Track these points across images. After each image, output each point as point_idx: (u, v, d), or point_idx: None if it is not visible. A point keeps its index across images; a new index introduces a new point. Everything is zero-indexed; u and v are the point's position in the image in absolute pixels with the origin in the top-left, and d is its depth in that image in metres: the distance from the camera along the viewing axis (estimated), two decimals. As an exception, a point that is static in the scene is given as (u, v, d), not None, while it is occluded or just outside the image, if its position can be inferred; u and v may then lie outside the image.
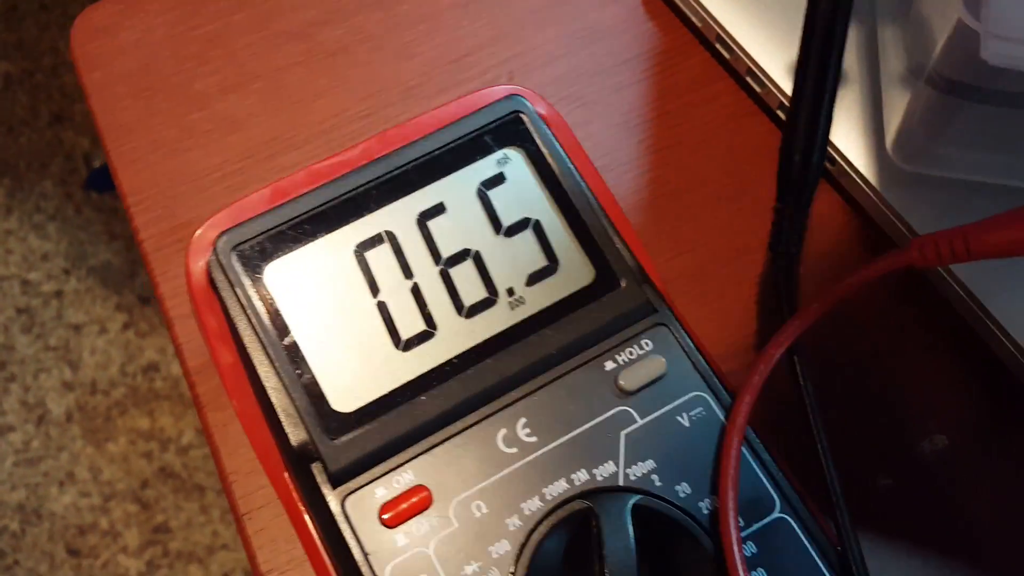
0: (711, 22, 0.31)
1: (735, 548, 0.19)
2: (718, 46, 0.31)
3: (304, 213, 0.22)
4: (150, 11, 0.33)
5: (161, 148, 0.31)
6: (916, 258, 0.20)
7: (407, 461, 0.21)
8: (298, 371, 0.21)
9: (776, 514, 0.20)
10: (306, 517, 0.22)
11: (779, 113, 0.30)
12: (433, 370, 0.21)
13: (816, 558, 0.20)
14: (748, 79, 0.30)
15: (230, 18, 0.33)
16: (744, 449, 0.21)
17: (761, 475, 0.20)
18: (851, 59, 0.30)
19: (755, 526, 0.20)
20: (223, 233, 0.21)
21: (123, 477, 1.01)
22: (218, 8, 0.33)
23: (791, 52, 0.25)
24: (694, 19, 0.31)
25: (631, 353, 0.22)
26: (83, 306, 1.09)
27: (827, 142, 0.23)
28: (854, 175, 0.28)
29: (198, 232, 0.22)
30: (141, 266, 1.10)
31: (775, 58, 0.30)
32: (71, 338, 1.08)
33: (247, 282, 0.21)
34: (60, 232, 1.13)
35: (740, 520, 0.20)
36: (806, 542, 0.20)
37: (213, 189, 0.30)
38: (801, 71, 0.22)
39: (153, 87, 0.32)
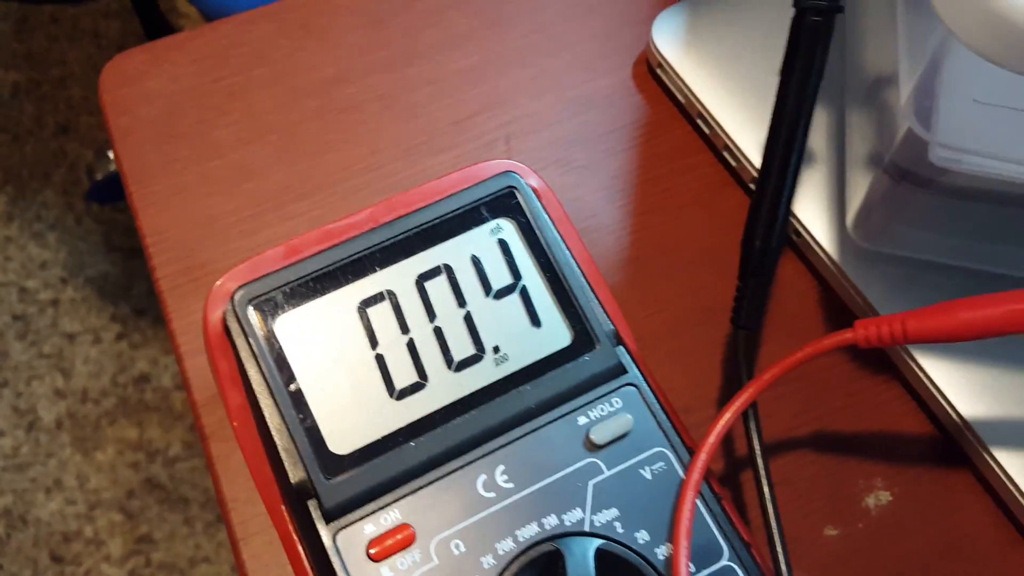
0: (693, 100, 0.33)
1: (686, 592, 0.21)
2: (699, 122, 0.34)
3: (315, 271, 0.24)
4: (177, 62, 0.35)
5: (181, 193, 0.33)
6: (859, 339, 0.23)
7: (394, 501, 0.23)
8: (300, 415, 0.23)
9: (724, 562, 0.22)
10: (299, 548, 0.24)
11: (751, 186, 0.33)
12: (423, 418, 0.24)
13: (757, 604, 0.22)
14: (725, 153, 0.33)
15: (251, 72, 0.35)
16: (698, 502, 0.23)
17: (712, 526, 0.23)
18: (820, 141, 0.32)
19: (704, 572, 0.22)
20: (241, 287, 0.24)
21: (109, 486, 1.02)
22: (240, 63, 0.35)
23: (764, 132, 0.28)
24: (678, 96, 0.34)
25: (602, 410, 0.24)
26: (78, 315, 1.11)
27: (785, 231, 0.25)
28: (817, 249, 0.30)
29: (217, 283, 0.25)
30: (137, 278, 1.12)
31: (750, 137, 0.32)
32: (65, 346, 1.09)
33: (259, 332, 0.24)
34: (59, 241, 1.14)
35: (692, 566, 0.22)
36: (749, 589, 0.22)
37: (228, 233, 0.32)
38: (764, 170, 0.24)
39: (176, 134, 0.34)
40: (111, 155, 1.11)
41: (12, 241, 1.15)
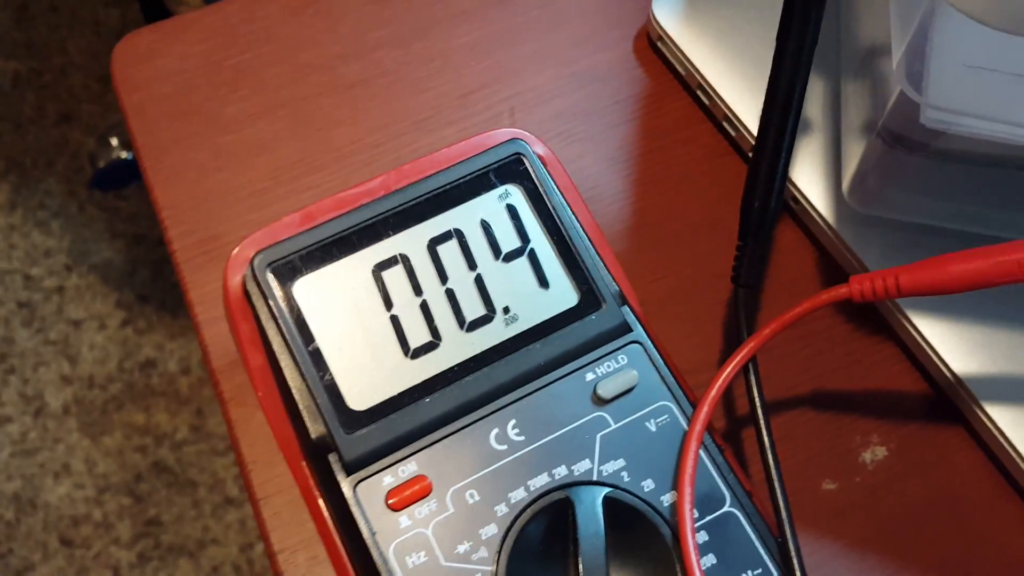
0: (694, 72, 0.34)
1: (690, 536, 0.22)
2: (699, 93, 0.34)
3: (330, 236, 0.25)
4: (187, 40, 0.36)
5: (194, 167, 0.34)
6: (854, 293, 0.24)
7: (411, 454, 0.24)
8: (320, 373, 0.24)
9: (726, 508, 0.23)
10: (320, 501, 0.25)
11: (750, 155, 0.34)
12: (437, 376, 0.25)
13: (758, 546, 0.23)
14: (724, 124, 0.34)
15: (260, 49, 0.36)
16: (701, 452, 0.24)
17: (715, 474, 0.24)
18: (816, 110, 0.33)
19: (708, 518, 0.23)
20: (259, 252, 0.25)
21: (117, 471, 1.04)
22: (249, 40, 0.36)
23: (761, 102, 0.28)
24: (679, 68, 0.35)
25: (608, 366, 0.25)
26: (83, 302, 1.12)
27: (783, 192, 0.26)
28: (813, 214, 0.31)
29: (236, 250, 0.26)
30: (141, 265, 1.13)
31: (748, 107, 0.33)
32: (71, 333, 1.10)
33: (279, 295, 0.25)
34: (63, 229, 1.15)
35: (695, 512, 0.23)
36: (750, 533, 0.23)
37: (241, 206, 0.33)
38: (761, 132, 0.25)
39: (188, 111, 0.35)
40: (114, 142, 1.12)
41: (16, 229, 1.16)
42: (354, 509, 0.23)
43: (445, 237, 0.26)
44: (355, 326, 0.25)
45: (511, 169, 0.26)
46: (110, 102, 1.21)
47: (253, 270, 0.25)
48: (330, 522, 0.25)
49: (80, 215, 1.16)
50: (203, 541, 1.01)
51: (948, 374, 0.29)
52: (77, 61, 1.23)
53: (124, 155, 1.11)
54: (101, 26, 1.26)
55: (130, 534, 1.01)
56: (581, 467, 0.24)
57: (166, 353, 1.09)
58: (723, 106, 0.33)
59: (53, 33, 1.25)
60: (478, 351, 0.25)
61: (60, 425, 1.06)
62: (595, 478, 0.24)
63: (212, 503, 1.02)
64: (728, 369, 0.24)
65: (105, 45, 1.24)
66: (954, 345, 0.29)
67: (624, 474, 0.24)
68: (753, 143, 0.33)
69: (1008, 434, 0.28)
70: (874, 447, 0.29)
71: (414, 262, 0.25)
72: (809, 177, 0.32)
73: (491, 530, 0.23)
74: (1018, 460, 0.28)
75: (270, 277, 0.25)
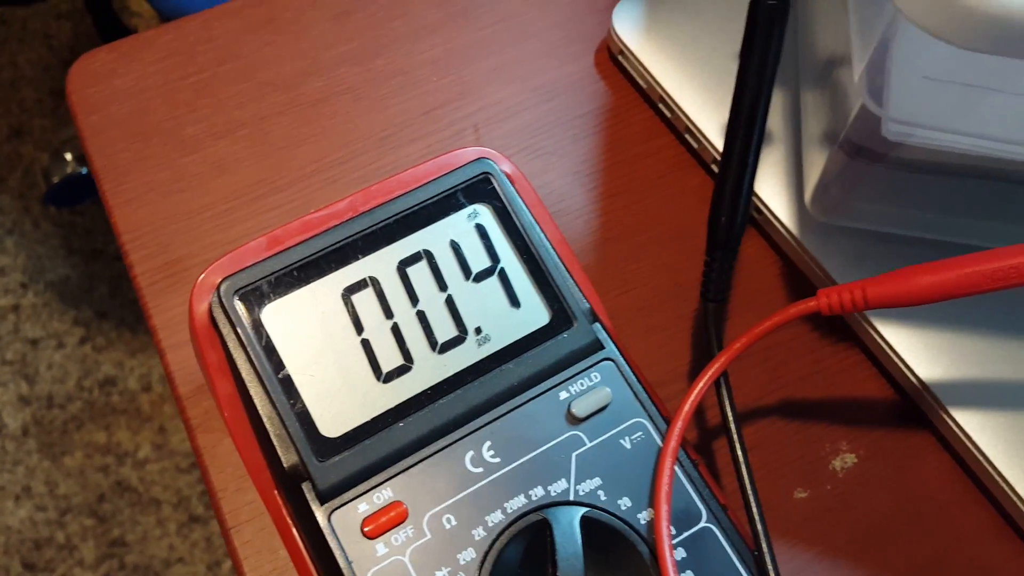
0: (655, 85, 0.34)
1: (667, 553, 0.22)
2: (661, 106, 0.35)
3: (298, 261, 0.25)
4: (144, 60, 0.35)
5: (154, 189, 0.33)
6: (822, 306, 0.24)
7: (386, 480, 0.24)
8: (291, 401, 0.24)
9: (703, 524, 0.24)
10: (294, 530, 0.25)
11: (713, 167, 0.34)
12: (410, 399, 0.24)
13: (736, 561, 0.23)
14: (687, 136, 0.34)
15: (219, 68, 0.35)
16: (676, 468, 0.24)
17: (690, 490, 0.24)
18: (777, 122, 0.33)
19: (684, 534, 0.23)
20: (226, 278, 0.24)
21: (79, 491, 1.01)
22: (207, 59, 0.36)
23: (724, 114, 0.29)
24: (640, 81, 0.35)
25: (582, 385, 0.25)
26: (40, 320, 1.09)
27: (750, 207, 0.26)
28: (777, 225, 0.32)
29: (201, 276, 0.25)
30: (99, 281, 1.11)
31: (710, 119, 0.33)
32: (28, 352, 1.08)
33: (247, 322, 0.24)
34: (18, 246, 1.13)
35: (672, 529, 0.23)
36: (727, 548, 0.23)
37: (203, 227, 0.33)
38: (727, 148, 0.25)
39: (146, 132, 0.34)
40: (68, 157, 1.10)
41: (-32, 248, 1.13)
42: (329, 538, 0.23)
43: (415, 259, 0.25)
44: (326, 351, 0.24)
45: (479, 189, 0.26)
46: (63, 116, 1.18)
47: (220, 297, 0.24)
48: (304, 550, 0.25)
49: (35, 231, 1.14)
50: (169, 560, 0.99)
51: (914, 380, 0.29)
52: (28, 75, 1.21)
53: (79, 170, 1.08)
54: (52, 39, 1.23)
55: (94, 555, 0.99)
56: (558, 487, 0.24)
57: (126, 370, 1.07)
58: (684, 118, 0.34)
59: (3, 47, 1.23)
60: (451, 373, 0.25)
61: (19, 447, 1.03)
62: (572, 498, 0.24)
63: (177, 521, 1.00)
64: (700, 384, 0.24)
65: (57, 59, 1.22)
66: (919, 352, 0.29)
67: (601, 493, 0.24)
68: (715, 155, 0.33)
69: (975, 438, 0.28)
70: (843, 454, 0.30)
71: (384, 285, 0.25)
72: (772, 189, 0.32)
73: (469, 554, 0.23)
74: (985, 464, 0.28)
75: (237, 304, 0.24)
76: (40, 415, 1.05)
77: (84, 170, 1.09)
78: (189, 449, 1.04)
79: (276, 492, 0.25)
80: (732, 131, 0.25)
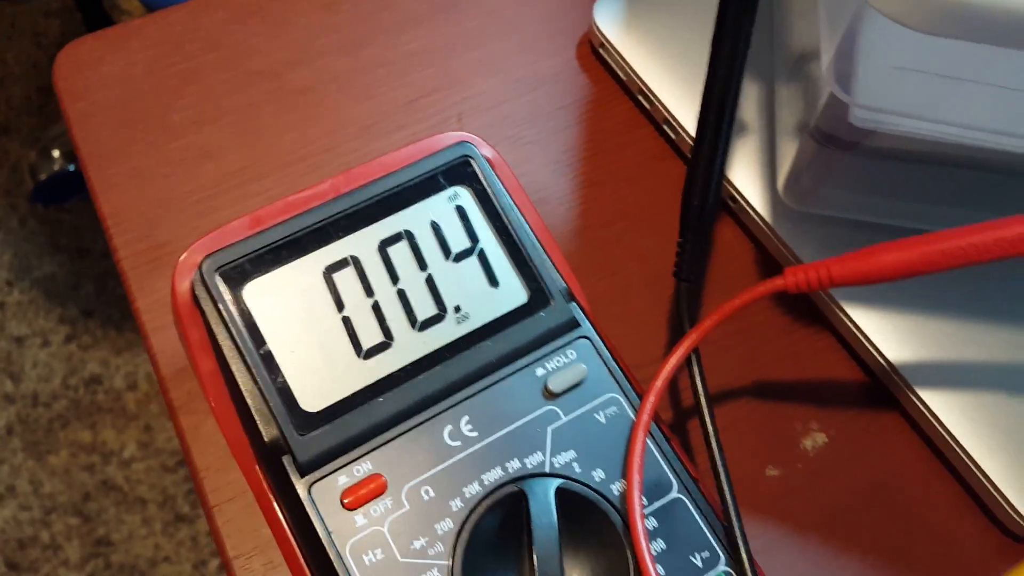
0: (634, 77, 0.35)
1: (639, 522, 0.23)
2: (640, 98, 0.35)
3: (280, 239, 0.25)
4: (131, 48, 0.36)
5: (139, 175, 0.34)
6: (789, 284, 0.25)
7: (366, 453, 0.24)
8: (272, 376, 0.24)
9: (674, 495, 0.24)
10: (275, 504, 0.25)
11: (689, 156, 0.35)
12: (390, 375, 0.25)
13: (705, 531, 0.24)
14: (665, 127, 0.35)
15: (205, 57, 0.36)
16: (649, 441, 0.25)
17: (662, 462, 0.25)
18: (751, 113, 0.34)
19: (656, 504, 0.24)
20: (208, 256, 0.25)
21: (64, 490, 1.01)
22: (194, 48, 0.36)
23: (699, 106, 0.29)
24: (620, 74, 0.36)
25: (558, 361, 0.26)
26: (26, 318, 1.09)
27: (720, 189, 0.27)
28: (751, 212, 0.32)
29: (183, 255, 0.26)
30: (85, 279, 1.11)
31: (687, 110, 0.34)
32: (13, 350, 1.07)
33: (228, 299, 0.25)
34: (4, 244, 1.12)
35: (644, 499, 0.24)
36: (698, 518, 0.24)
37: (187, 213, 0.33)
38: (699, 132, 0.26)
39: (133, 119, 0.35)
40: (55, 154, 1.10)
41: (-47, 245, 1.13)
42: (309, 510, 0.24)
43: (395, 239, 0.26)
44: (307, 328, 0.25)
45: (459, 171, 0.27)
46: (51, 114, 1.18)
47: (202, 275, 0.25)
48: (285, 525, 0.25)
49: (21, 229, 1.13)
50: (155, 560, 0.99)
51: (883, 362, 0.30)
52: (16, 72, 1.21)
53: (66, 167, 1.09)
54: (41, 36, 1.23)
55: (79, 555, 0.98)
56: (533, 460, 0.24)
57: (112, 369, 1.07)
58: (663, 110, 0.34)
59: (-11, 44, 1.22)
60: (430, 350, 0.25)
61: (4, 445, 1.03)
62: (547, 470, 0.24)
63: (163, 520, 1.00)
64: (672, 359, 0.24)
65: (45, 56, 1.22)
66: (887, 334, 0.30)
67: (575, 465, 0.24)
68: (692, 145, 0.34)
69: (942, 417, 0.29)
70: (814, 434, 0.30)
71: (365, 264, 0.26)
72: (746, 177, 0.33)
73: (447, 525, 0.24)
74: (951, 442, 0.29)
75: (219, 281, 0.25)
76: (25, 413, 1.04)
77: (71, 167, 1.09)
78: (175, 448, 1.04)
79: (258, 468, 0.26)
80: (703, 117, 0.26)
